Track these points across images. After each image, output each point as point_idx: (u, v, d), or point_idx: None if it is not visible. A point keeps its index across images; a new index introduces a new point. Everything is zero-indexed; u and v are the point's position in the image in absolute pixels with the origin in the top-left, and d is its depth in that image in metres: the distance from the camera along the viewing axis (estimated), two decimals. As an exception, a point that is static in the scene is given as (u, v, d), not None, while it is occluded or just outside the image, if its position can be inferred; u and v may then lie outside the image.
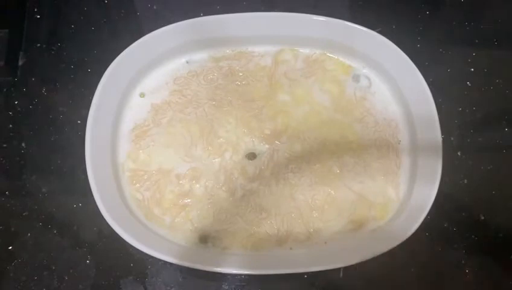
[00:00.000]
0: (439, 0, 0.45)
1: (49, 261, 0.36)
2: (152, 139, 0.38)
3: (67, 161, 0.39)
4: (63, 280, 0.36)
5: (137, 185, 0.37)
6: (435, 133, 0.36)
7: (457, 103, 0.41)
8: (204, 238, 0.36)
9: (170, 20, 0.38)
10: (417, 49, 0.42)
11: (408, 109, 0.38)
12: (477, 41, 0.43)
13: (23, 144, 0.40)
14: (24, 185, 0.38)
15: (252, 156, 0.38)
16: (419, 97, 0.37)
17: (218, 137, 0.38)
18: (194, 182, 0.37)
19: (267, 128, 0.39)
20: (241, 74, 0.41)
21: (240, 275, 0.36)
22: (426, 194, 0.34)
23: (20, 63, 0.42)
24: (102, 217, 0.33)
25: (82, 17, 0.44)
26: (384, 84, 0.40)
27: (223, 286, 0.36)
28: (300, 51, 0.41)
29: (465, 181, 0.39)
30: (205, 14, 0.39)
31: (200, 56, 0.41)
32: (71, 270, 0.36)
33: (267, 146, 0.38)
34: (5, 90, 0.41)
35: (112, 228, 0.33)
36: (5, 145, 0.40)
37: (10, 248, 0.37)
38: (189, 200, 0.37)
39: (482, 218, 0.38)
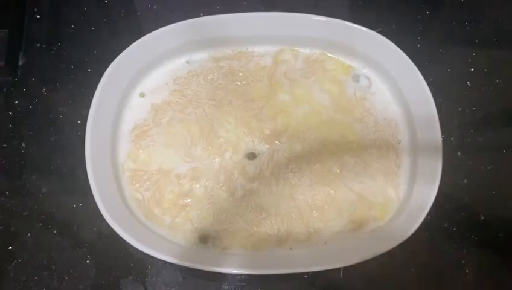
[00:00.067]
0: (439, 0, 0.45)
1: (49, 261, 0.36)
2: (152, 139, 0.38)
3: (67, 161, 0.39)
4: (63, 280, 0.36)
5: (137, 185, 0.37)
6: (435, 133, 0.36)
7: (457, 103, 0.41)
8: (204, 238, 0.36)
9: (170, 20, 0.38)
10: (417, 49, 0.42)
11: (408, 109, 0.38)
12: (477, 41, 0.43)
13: (23, 144, 0.40)
14: (24, 185, 0.38)
15: (252, 156, 0.38)
16: (419, 97, 0.37)
17: (218, 137, 0.38)
18: (194, 182, 0.37)
19: (267, 128, 0.39)
20: (241, 74, 0.41)
21: (240, 275, 0.36)
22: (426, 194, 0.34)
23: (20, 63, 0.42)
24: (102, 217, 0.33)
25: (82, 17, 0.44)
26: (384, 84, 0.40)
27: (223, 286, 0.36)
28: (300, 51, 0.41)
29: (465, 181, 0.39)
30: (205, 14, 0.39)
31: (200, 56, 0.41)
32: (71, 270, 0.36)
33: (267, 146, 0.38)
34: (5, 90, 0.41)
35: (111, 228, 0.33)
36: (5, 145, 0.40)
37: (10, 248, 0.37)
38: (189, 200, 0.37)
39: (482, 218, 0.38)
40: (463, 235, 0.37)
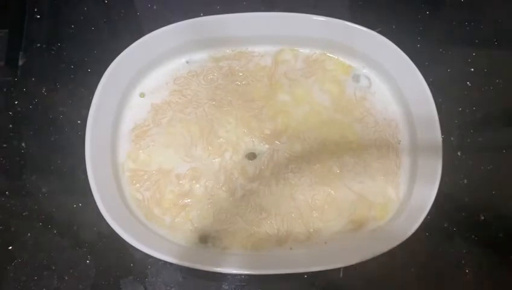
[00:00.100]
0: (439, 0, 0.45)
1: (49, 261, 0.36)
2: (152, 139, 0.38)
3: (67, 161, 0.39)
4: (63, 280, 0.36)
5: (137, 185, 0.37)
6: (435, 133, 0.36)
7: (457, 103, 0.41)
8: (204, 238, 0.36)
9: (170, 20, 0.38)
10: (417, 49, 0.42)
11: (408, 109, 0.38)
12: (477, 41, 0.43)
13: (23, 144, 0.40)
14: (24, 185, 0.38)
15: (252, 156, 0.38)
16: (419, 97, 0.37)
17: (218, 137, 0.38)
18: (194, 182, 0.37)
19: (267, 128, 0.39)
20: (241, 74, 0.41)
21: (240, 275, 0.36)
22: (426, 194, 0.34)
23: (20, 63, 0.42)
24: (102, 217, 0.33)
25: (82, 17, 0.44)
26: (384, 84, 0.40)
27: (223, 286, 0.36)
28: (300, 51, 0.41)
29: (465, 181, 0.39)
30: (205, 14, 0.39)
31: (200, 56, 0.41)
32: (71, 270, 0.36)
33: (267, 146, 0.38)
34: (5, 90, 0.41)
35: (111, 228, 0.33)
36: (5, 145, 0.40)
37: (10, 248, 0.37)
38: (189, 200, 0.37)
39: (482, 218, 0.38)
40: (463, 235, 0.37)
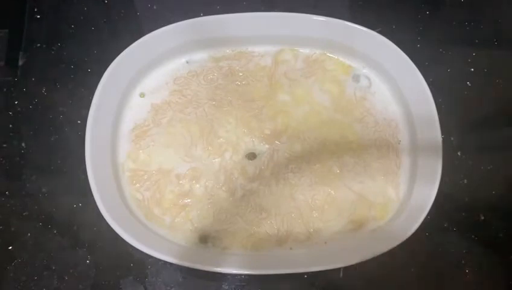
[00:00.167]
0: (439, 0, 0.45)
1: (49, 261, 0.36)
2: (152, 139, 0.38)
3: (67, 161, 0.39)
4: (63, 280, 0.36)
5: (137, 185, 0.37)
6: (435, 133, 0.36)
7: (457, 103, 0.41)
8: (204, 238, 0.36)
9: (170, 20, 0.38)
10: (417, 49, 0.42)
11: (408, 109, 0.38)
12: (477, 41, 0.43)
13: (23, 144, 0.40)
14: (24, 185, 0.38)
15: (252, 156, 0.38)
16: (419, 97, 0.37)
17: (218, 137, 0.38)
18: (194, 182, 0.37)
19: (267, 128, 0.39)
20: (241, 74, 0.41)
21: (240, 275, 0.36)
22: (426, 194, 0.34)
23: (20, 63, 0.42)
24: (102, 217, 0.33)
25: (82, 17, 0.44)
26: (384, 84, 0.40)
27: (223, 286, 0.36)
28: (300, 51, 0.41)
29: (465, 181, 0.39)
30: (205, 14, 0.39)
31: (200, 56, 0.41)
32: (71, 270, 0.36)
33: (267, 146, 0.38)
34: (5, 90, 0.41)
35: (111, 228, 0.33)
36: (5, 145, 0.40)
37: (10, 248, 0.37)
38: (189, 200, 0.37)
39: (482, 218, 0.38)
40: (463, 235, 0.37)
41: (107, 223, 0.33)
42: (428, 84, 0.36)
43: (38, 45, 0.43)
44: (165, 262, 0.35)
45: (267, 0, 0.44)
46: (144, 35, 0.38)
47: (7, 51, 0.41)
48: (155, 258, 0.34)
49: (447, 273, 0.36)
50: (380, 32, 0.38)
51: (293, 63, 0.41)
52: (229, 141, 0.38)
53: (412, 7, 0.45)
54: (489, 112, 0.41)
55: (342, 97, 0.40)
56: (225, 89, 0.40)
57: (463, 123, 0.40)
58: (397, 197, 0.37)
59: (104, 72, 0.37)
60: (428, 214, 0.33)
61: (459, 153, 0.39)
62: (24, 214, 0.37)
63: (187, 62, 0.41)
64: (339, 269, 0.35)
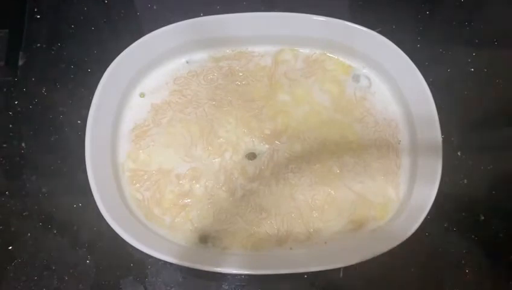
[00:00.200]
0: (439, 0, 0.45)
1: (49, 261, 0.36)
2: (152, 139, 0.38)
3: (67, 161, 0.39)
4: (63, 280, 0.36)
5: (137, 185, 0.37)
6: (435, 133, 0.36)
7: (457, 103, 0.41)
8: (204, 238, 0.36)
9: (170, 20, 0.38)
10: (417, 49, 0.42)
11: (408, 109, 0.38)
12: (477, 41, 0.43)
13: (23, 144, 0.40)
14: (24, 185, 0.38)
15: (252, 156, 0.38)
16: (419, 97, 0.37)
17: (218, 137, 0.38)
18: (194, 182, 0.37)
19: (267, 128, 0.39)
20: (241, 74, 0.41)
21: (240, 275, 0.36)
22: (426, 194, 0.34)
23: (20, 63, 0.42)
24: (102, 217, 0.33)
25: (82, 17, 0.44)
26: (384, 84, 0.40)
27: (223, 286, 0.36)
28: (300, 51, 0.41)
29: (465, 181, 0.39)
30: (205, 14, 0.39)
31: (200, 56, 0.41)
32: (71, 270, 0.36)
33: (267, 146, 0.38)
34: (5, 90, 0.41)
35: (111, 228, 0.33)
36: (5, 145, 0.40)
37: (10, 248, 0.37)
38: (189, 200, 0.37)
39: (482, 218, 0.38)
40: (463, 235, 0.37)
41: (107, 223, 0.33)
42: (428, 84, 0.36)
43: (38, 45, 0.43)
44: (165, 262, 0.35)
45: (267, 0, 0.44)
46: (144, 35, 0.38)
47: (7, 51, 0.41)
48: (155, 258, 0.34)
49: (447, 273, 0.36)
50: (380, 32, 0.38)
51: (293, 63, 0.41)
52: (229, 141, 0.38)
53: (412, 7, 0.45)
54: (489, 112, 0.41)
55: (342, 97, 0.40)
56: (225, 89, 0.40)
57: (463, 123, 0.40)
58: (397, 197, 0.37)
59: (104, 72, 0.37)
60: (428, 214, 0.33)
61: (459, 153, 0.39)
62: (24, 214, 0.37)
63: (187, 62, 0.41)
64: (339, 269, 0.35)
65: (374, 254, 0.32)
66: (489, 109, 0.41)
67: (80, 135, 0.37)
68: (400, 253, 0.33)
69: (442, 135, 0.35)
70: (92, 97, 0.36)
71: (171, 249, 0.34)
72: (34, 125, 0.40)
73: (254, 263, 0.33)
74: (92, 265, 0.36)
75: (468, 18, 0.44)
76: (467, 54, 0.43)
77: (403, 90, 0.38)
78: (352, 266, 0.33)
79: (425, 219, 0.33)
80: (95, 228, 0.37)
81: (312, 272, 0.33)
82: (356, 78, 0.41)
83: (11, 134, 0.40)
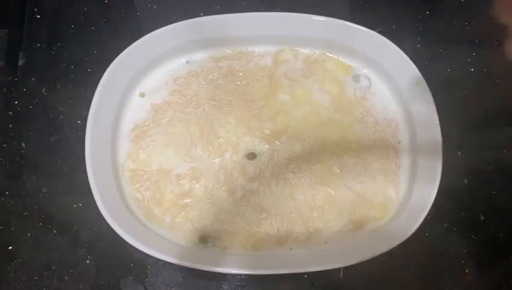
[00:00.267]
0: (439, 0, 0.45)
1: (49, 261, 0.36)
2: (152, 139, 0.38)
3: (67, 161, 0.39)
4: (63, 280, 0.36)
5: (137, 185, 0.37)
6: (435, 133, 0.36)
7: (457, 103, 0.41)
8: (204, 238, 0.36)
9: (170, 20, 0.38)
10: (417, 49, 0.42)
11: (408, 109, 0.38)
12: (477, 41, 0.43)
13: (23, 144, 0.40)
14: (24, 185, 0.38)
15: (252, 156, 0.38)
16: (419, 97, 0.37)
17: (218, 137, 0.38)
18: (194, 182, 0.37)
19: (267, 128, 0.39)
20: (241, 74, 0.41)
21: (240, 275, 0.36)
22: (426, 194, 0.34)
23: (20, 63, 0.42)
24: (102, 217, 0.33)
25: (82, 17, 0.44)
26: (384, 84, 0.40)
27: (223, 286, 0.36)
28: (300, 51, 0.41)
29: (465, 181, 0.39)
30: (205, 14, 0.39)
31: (200, 56, 0.41)
32: (71, 270, 0.36)
33: (267, 146, 0.38)
34: (5, 90, 0.41)
35: (111, 228, 0.33)
36: (5, 145, 0.40)
37: (10, 248, 0.37)
38: (189, 200, 0.37)
39: (482, 218, 0.38)
40: (463, 235, 0.37)
41: (107, 223, 0.33)
42: (428, 84, 0.36)
43: (38, 45, 0.43)
44: (165, 262, 0.35)
45: (267, 0, 0.44)
46: (144, 35, 0.38)
47: (7, 51, 0.41)
48: (155, 258, 0.34)
49: (447, 273, 0.36)
50: (380, 32, 0.38)
51: (293, 63, 0.41)
52: (229, 141, 0.38)
53: (412, 7, 0.44)
54: (489, 112, 0.41)
55: (342, 97, 0.40)
56: (225, 89, 0.40)
57: (463, 123, 0.40)
58: (397, 197, 0.37)
59: (104, 72, 0.37)
60: (428, 214, 0.33)
61: (459, 153, 0.39)
62: (24, 214, 0.37)
63: (187, 62, 0.41)
64: (339, 269, 0.35)
65: (374, 254, 0.32)
66: (489, 109, 0.41)
67: (80, 135, 0.37)
68: (400, 253, 0.33)
69: (442, 135, 0.35)
70: (92, 97, 0.36)
71: (171, 249, 0.34)
72: (34, 125, 0.40)
73: (254, 263, 0.33)
74: (92, 265, 0.36)
75: (468, 18, 0.44)
76: (467, 54, 0.43)
77: (403, 90, 0.38)
78: (352, 266, 0.33)
79: (425, 219, 0.33)
80: (95, 228, 0.37)
81: (312, 272, 0.33)
82: (356, 78, 0.41)
83: (11, 134, 0.40)
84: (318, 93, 0.40)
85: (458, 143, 0.39)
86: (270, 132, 0.39)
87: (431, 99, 0.36)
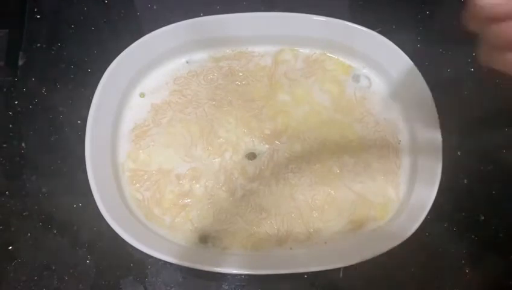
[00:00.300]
0: (439, 0, 0.45)
1: (49, 261, 0.36)
2: (152, 139, 0.38)
3: (67, 161, 0.39)
4: (63, 280, 0.36)
5: (137, 185, 0.37)
6: (435, 133, 0.36)
7: (457, 103, 0.41)
8: (204, 238, 0.36)
9: (170, 20, 0.38)
10: (417, 49, 0.42)
11: (408, 109, 0.38)
12: (477, 41, 0.43)
13: (23, 144, 0.40)
14: (24, 185, 0.38)
15: (252, 156, 0.38)
16: (419, 97, 0.37)
17: (218, 137, 0.38)
18: (194, 182, 0.37)
19: (267, 128, 0.39)
20: (241, 74, 0.41)
21: (240, 275, 0.36)
22: (426, 194, 0.34)
23: (20, 63, 0.42)
24: (102, 217, 0.33)
25: (82, 17, 0.44)
26: (384, 84, 0.40)
27: (223, 286, 0.36)
28: (300, 51, 0.41)
29: (465, 181, 0.39)
30: (205, 14, 0.39)
31: (200, 56, 0.41)
32: (71, 270, 0.36)
33: (267, 146, 0.38)
34: (5, 90, 0.41)
35: (111, 228, 0.33)
36: (5, 145, 0.40)
37: (10, 248, 0.37)
38: (189, 200, 0.37)
39: (482, 218, 0.38)
40: (463, 235, 0.37)
41: (107, 223, 0.33)
42: (428, 84, 0.36)
43: (38, 45, 0.43)
44: (165, 262, 0.35)
45: (267, 0, 0.44)
46: (144, 35, 0.38)
47: (7, 51, 0.41)
48: (155, 258, 0.34)
49: (447, 273, 0.36)
50: (380, 32, 0.38)
51: (293, 63, 0.41)
52: (229, 141, 0.38)
53: (412, 7, 0.44)
54: (489, 112, 0.41)
55: (342, 97, 0.40)
56: (225, 89, 0.40)
57: (463, 123, 0.40)
58: (397, 197, 0.37)
59: (104, 72, 0.37)
60: (428, 214, 0.33)
61: (459, 153, 0.39)
62: (24, 214, 0.37)
63: (187, 62, 0.41)
64: (339, 269, 0.35)
65: (374, 254, 0.32)
66: (489, 109, 0.41)
67: (80, 135, 0.37)
68: (399, 253, 0.33)
69: (442, 135, 0.35)
70: (92, 97, 0.36)
71: (171, 249, 0.34)
72: (34, 125, 0.40)
73: (254, 263, 0.33)
74: (92, 265, 0.36)
75: (468, 18, 0.44)
76: (466, 54, 0.43)
77: (403, 90, 0.38)
78: (352, 266, 0.33)
79: (425, 219, 0.33)
80: (95, 228, 0.37)
81: (312, 272, 0.33)
82: (356, 78, 0.41)
83: (11, 134, 0.40)
84: (318, 93, 0.40)
85: (458, 143, 0.39)
86: (270, 132, 0.39)
87: (431, 99, 0.36)
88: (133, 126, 0.39)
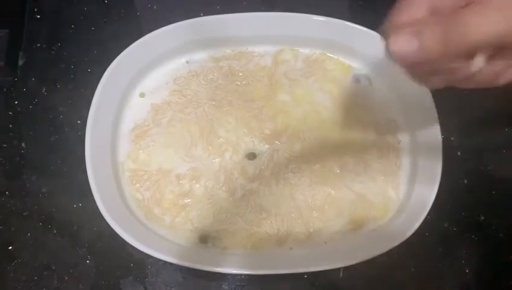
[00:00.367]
0: (439, 0, 0.45)
1: (49, 261, 0.36)
2: (152, 139, 0.38)
3: (67, 161, 0.39)
4: (63, 280, 0.36)
5: (137, 185, 0.37)
6: (435, 133, 0.36)
7: (457, 103, 0.41)
8: (204, 238, 0.36)
9: (170, 20, 0.38)
10: (417, 49, 0.42)
11: (408, 109, 0.38)
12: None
13: (23, 144, 0.40)
14: (24, 185, 0.38)
15: (252, 156, 0.38)
16: (419, 97, 0.37)
17: (218, 137, 0.38)
18: (194, 182, 0.37)
19: (267, 128, 0.39)
20: (241, 74, 0.41)
21: (240, 275, 0.36)
22: (426, 194, 0.34)
23: (20, 63, 0.42)
24: (102, 217, 0.33)
25: (82, 17, 0.44)
26: (384, 84, 0.40)
27: (223, 286, 0.36)
28: (300, 51, 0.41)
29: (465, 181, 0.39)
30: (205, 14, 0.39)
31: (200, 56, 0.41)
32: (71, 270, 0.36)
33: (267, 146, 0.38)
34: (5, 90, 0.41)
35: (111, 228, 0.33)
36: (5, 145, 0.40)
37: (10, 248, 0.37)
38: (189, 200, 0.37)
39: (482, 218, 0.38)
40: (463, 235, 0.37)
41: (107, 223, 0.33)
42: (428, 84, 0.36)
43: (38, 45, 0.43)
44: (165, 262, 0.35)
45: (267, 0, 0.44)
46: (144, 35, 0.38)
47: (7, 51, 0.41)
48: (155, 258, 0.34)
49: (447, 273, 0.36)
50: (380, 32, 0.38)
51: (293, 63, 0.41)
52: (229, 141, 0.38)
53: (412, 7, 0.44)
54: (489, 112, 0.41)
55: (342, 97, 0.40)
56: (225, 89, 0.40)
57: (463, 123, 0.40)
58: (397, 197, 0.37)
59: (104, 72, 0.37)
60: (428, 214, 0.33)
61: (459, 153, 0.39)
62: (24, 214, 0.37)
63: (187, 62, 0.41)
64: (339, 269, 0.35)
65: (374, 254, 0.32)
66: (489, 109, 0.41)
67: (80, 135, 0.37)
68: (399, 253, 0.33)
69: (442, 135, 0.35)
70: (92, 97, 0.36)
71: (171, 249, 0.34)
72: (34, 125, 0.40)
73: (254, 263, 0.33)
74: (92, 265, 0.36)
75: (468, 18, 0.44)
76: (466, 54, 0.42)
77: (403, 90, 0.38)
78: (352, 266, 0.33)
79: (425, 218, 0.33)
80: (95, 228, 0.37)
81: (312, 272, 0.33)
82: (356, 78, 0.41)
83: (11, 134, 0.40)
84: (318, 93, 0.40)
85: (458, 143, 0.39)
86: (270, 132, 0.39)
87: (431, 99, 0.36)
88: (133, 126, 0.39)
